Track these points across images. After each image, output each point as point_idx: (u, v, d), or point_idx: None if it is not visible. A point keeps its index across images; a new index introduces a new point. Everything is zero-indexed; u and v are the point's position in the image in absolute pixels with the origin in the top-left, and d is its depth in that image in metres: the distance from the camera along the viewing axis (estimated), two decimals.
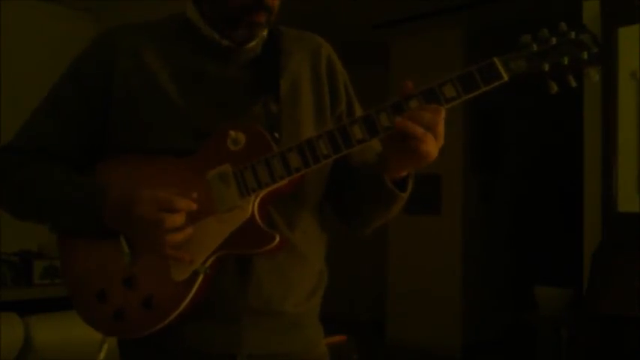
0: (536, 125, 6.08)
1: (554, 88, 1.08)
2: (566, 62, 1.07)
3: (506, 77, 1.06)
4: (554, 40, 1.07)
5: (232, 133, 1.13)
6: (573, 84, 1.07)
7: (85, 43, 1.26)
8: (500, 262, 5.74)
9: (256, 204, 1.12)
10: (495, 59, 1.06)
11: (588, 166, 3.65)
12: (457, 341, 5.35)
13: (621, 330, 3.05)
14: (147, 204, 1.07)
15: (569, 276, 3.99)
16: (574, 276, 3.73)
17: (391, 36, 5.62)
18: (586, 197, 3.65)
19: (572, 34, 1.07)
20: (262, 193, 1.12)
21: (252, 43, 1.23)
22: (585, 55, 1.07)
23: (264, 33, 1.26)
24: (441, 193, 5.43)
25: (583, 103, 3.67)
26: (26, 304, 3.36)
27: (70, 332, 2.15)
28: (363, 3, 4.83)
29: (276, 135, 1.15)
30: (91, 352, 2.05)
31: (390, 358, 5.46)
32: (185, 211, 1.07)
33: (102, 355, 1.82)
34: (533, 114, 5.87)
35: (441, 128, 1.07)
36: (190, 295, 1.12)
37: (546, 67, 1.07)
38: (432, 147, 1.07)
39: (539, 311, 3.82)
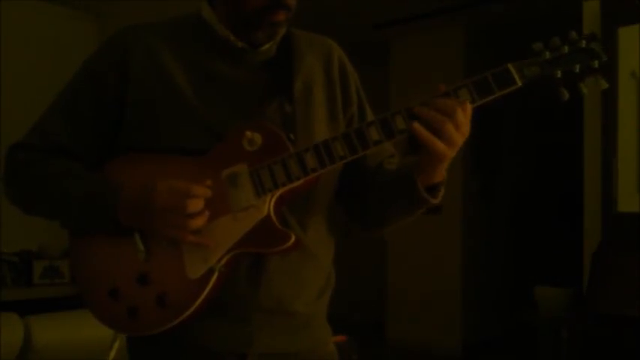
0: (536, 125, 6.08)
1: (566, 95, 1.09)
2: (577, 70, 1.09)
3: (520, 83, 1.07)
4: (565, 49, 1.09)
5: (249, 133, 1.13)
6: (585, 91, 1.09)
7: (86, 43, 1.26)
8: (500, 261, 5.74)
9: (272, 204, 1.13)
10: (509, 65, 1.08)
11: (588, 166, 3.65)
12: (457, 341, 5.35)
13: (621, 330, 3.05)
14: (165, 193, 1.08)
15: (569, 276, 3.99)
16: (574, 276, 3.74)
17: (391, 36, 5.62)
18: (586, 197, 3.65)
19: (583, 43, 1.09)
20: (278, 193, 1.12)
21: (267, 46, 1.23)
22: (596, 64, 1.09)
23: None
24: None
25: (583, 104, 3.67)
26: (26, 304, 3.36)
27: (70, 332, 2.15)
28: (363, 3, 4.83)
29: (292, 136, 1.16)
30: (91, 352, 2.05)
31: (390, 358, 5.46)
32: (202, 197, 1.08)
33: (112, 353, 1.82)
34: (532, 114, 5.87)
35: (460, 119, 1.11)
36: (205, 293, 1.12)
37: (559, 74, 1.09)
38: (452, 138, 1.15)
39: (539, 311, 3.82)
